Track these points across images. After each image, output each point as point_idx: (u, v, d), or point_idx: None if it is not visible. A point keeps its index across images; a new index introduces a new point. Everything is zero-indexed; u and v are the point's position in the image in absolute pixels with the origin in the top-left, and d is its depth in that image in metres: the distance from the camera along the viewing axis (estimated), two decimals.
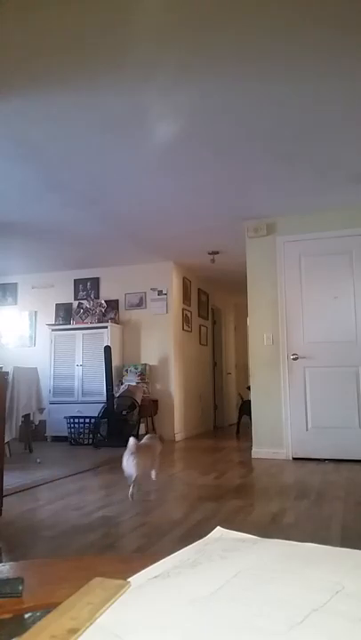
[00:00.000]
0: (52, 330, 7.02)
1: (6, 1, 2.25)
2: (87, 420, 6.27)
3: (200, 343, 8.00)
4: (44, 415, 6.07)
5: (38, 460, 4.85)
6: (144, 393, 6.43)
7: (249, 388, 7.01)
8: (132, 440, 3.22)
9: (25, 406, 4.90)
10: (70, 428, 6.33)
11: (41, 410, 5.36)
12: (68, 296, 7.33)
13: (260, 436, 4.97)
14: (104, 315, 6.96)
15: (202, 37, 2.50)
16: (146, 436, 3.52)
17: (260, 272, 5.13)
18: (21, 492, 3.53)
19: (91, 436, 6.19)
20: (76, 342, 6.86)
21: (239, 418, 7.18)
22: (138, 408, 6.14)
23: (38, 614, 0.49)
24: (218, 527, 0.66)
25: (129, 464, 3.18)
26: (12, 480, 3.66)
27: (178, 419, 6.75)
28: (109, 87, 2.89)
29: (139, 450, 3.22)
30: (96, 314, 6.94)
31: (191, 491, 3.53)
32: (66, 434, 6.40)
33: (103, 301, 7.03)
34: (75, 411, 6.54)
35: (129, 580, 0.52)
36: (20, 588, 0.53)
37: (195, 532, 2.42)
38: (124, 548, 2.30)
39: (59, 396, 6.78)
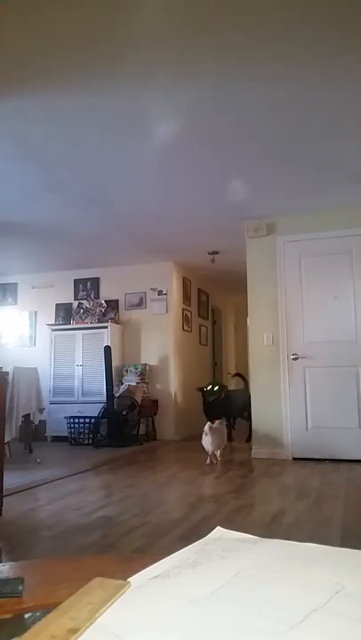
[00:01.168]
0: (52, 330, 7.02)
1: (6, 1, 2.25)
2: (87, 420, 6.26)
3: (200, 343, 7.99)
4: (44, 415, 6.07)
5: (38, 460, 4.85)
6: (144, 393, 6.43)
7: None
8: (208, 424, 4.40)
9: (25, 406, 4.90)
10: (70, 427, 6.33)
11: (41, 410, 5.36)
12: (68, 296, 7.33)
13: (260, 436, 4.97)
14: (104, 315, 6.96)
15: (202, 37, 2.50)
16: (217, 422, 4.51)
17: (260, 272, 5.13)
18: (21, 492, 3.53)
19: (91, 435, 6.19)
20: (76, 342, 6.86)
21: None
22: (138, 408, 6.14)
23: (38, 614, 0.49)
24: (218, 527, 0.66)
25: (206, 441, 4.37)
26: (12, 480, 3.66)
27: (178, 419, 6.75)
28: (109, 87, 2.89)
29: (212, 431, 4.34)
30: (96, 314, 6.94)
31: (191, 491, 3.53)
32: (66, 434, 6.40)
33: (103, 301, 7.03)
34: (75, 411, 6.54)
35: (129, 580, 0.52)
36: (20, 588, 0.53)
37: (195, 532, 2.42)
38: (124, 547, 2.30)
39: (59, 395, 6.78)
